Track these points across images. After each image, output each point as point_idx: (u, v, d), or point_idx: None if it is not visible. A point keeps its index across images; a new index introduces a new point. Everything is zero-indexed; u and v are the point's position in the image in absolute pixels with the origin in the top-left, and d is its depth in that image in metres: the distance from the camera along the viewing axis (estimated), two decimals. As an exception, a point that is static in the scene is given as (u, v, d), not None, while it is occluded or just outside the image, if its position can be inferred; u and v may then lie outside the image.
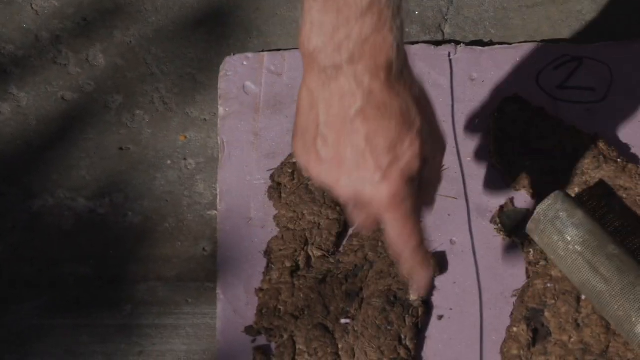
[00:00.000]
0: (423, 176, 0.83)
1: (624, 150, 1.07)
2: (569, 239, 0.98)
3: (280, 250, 1.05)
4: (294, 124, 0.87)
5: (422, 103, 0.83)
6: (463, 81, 1.13)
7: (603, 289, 0.96)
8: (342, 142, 0.82)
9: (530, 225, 1.01)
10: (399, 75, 0.81)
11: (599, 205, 1.04)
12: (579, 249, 0.97)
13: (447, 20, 1.19)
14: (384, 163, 0.80)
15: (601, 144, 1.06)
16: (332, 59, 0.79)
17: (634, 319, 0.94)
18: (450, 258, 1.04)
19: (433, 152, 0.84)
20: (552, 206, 0.99)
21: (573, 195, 1.04)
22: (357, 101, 0.80)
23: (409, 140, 0.81)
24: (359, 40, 0.78)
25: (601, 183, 1.05)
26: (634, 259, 0.98)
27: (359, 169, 0.81)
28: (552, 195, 1.00)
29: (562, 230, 0.98)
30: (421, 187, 0.84)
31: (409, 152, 0.81)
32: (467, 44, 1.16)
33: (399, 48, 0.79)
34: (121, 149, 1.14)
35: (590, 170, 1.05)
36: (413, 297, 1.02)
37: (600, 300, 0.97)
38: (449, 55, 1.15)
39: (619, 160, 1.05)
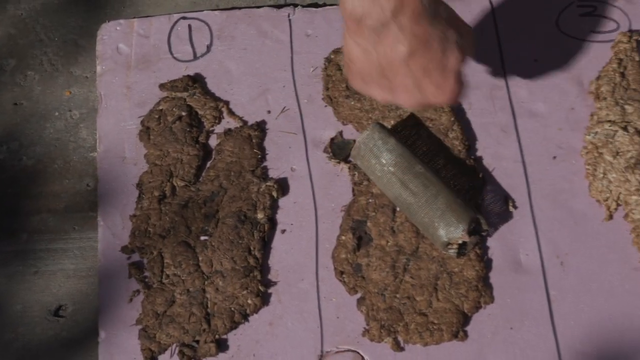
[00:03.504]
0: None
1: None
2: (384, 162, 1.07)
3: (150, 182, 1.13)
4: (348, 70, 0.99)
5: (451, 20, 0.95)
6: (300, 37, 1.20)
7: (412, 201, 1.05)
8: (402, 77, 0.95)
9: (353, 152, 1.09)
10: (435, 13, 0.93)
11: (410, 133, 1.12)
12: (392, 170, 1.06)
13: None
14: (439, 79, 0.95)
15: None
16: (378, 19, 0.91)
17: (436, 224, 1.05)
18: (291, 183, 1.13)
19: (465, 36, 0.97)
20: (370, 135, 1.07)
21: (389, 126, 1.12)
22: (405, 45, 0.92)
23: (450, 51, 0.94)
24: None
25: (412, 116, 1.13)
26: (436, 176, 1.07)
27: (422, 90, 0.96)
28: (370, 126, 1.08)
29: (378, 154, 1.07)
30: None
31: (452, 58, 0.95)
32: (304, 6, 1.22)
33: None
34: (15, 104, 1.20)
35: (403, 106, 1.12)
36: (260, 215, 1.10)
37: (410, 210, 1.06)
38: (289, 16, 1.22)
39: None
